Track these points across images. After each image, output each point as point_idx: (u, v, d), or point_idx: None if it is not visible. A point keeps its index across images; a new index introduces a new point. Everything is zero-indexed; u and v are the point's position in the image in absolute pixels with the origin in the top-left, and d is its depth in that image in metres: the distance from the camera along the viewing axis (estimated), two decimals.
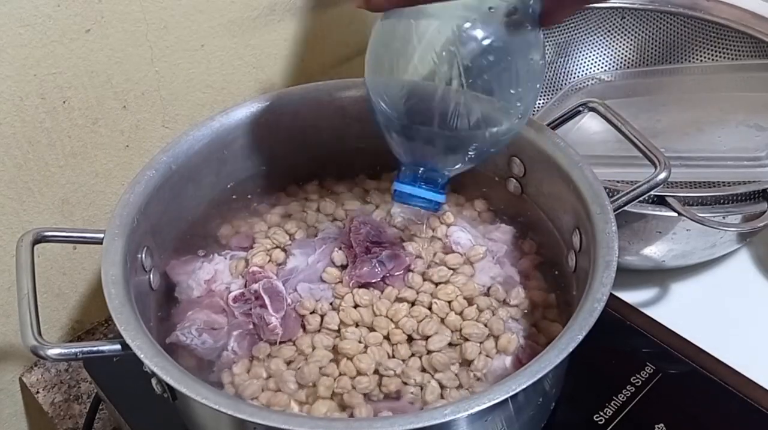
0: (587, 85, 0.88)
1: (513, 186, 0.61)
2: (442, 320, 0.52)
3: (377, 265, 0.54)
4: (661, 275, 0.71)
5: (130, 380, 0.50)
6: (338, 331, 0.52)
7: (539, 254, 0.58)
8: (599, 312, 0.43)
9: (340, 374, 0.49)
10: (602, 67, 0.88)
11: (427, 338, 0.51)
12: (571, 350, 0.42)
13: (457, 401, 0.40)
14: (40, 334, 0.44)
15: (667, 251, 0.66)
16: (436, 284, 0.54)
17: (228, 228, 0.61)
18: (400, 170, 0.49)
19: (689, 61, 0.85)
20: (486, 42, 0.44)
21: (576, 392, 0.56)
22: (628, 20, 0.86)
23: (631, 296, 0.68)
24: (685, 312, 0.68)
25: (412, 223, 0.59)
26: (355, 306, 0.53)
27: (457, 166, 0.49)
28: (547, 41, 0.86)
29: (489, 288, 0.55)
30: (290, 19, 0.72)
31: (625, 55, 0.88)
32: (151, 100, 0.65)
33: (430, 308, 0.53)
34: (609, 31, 0.87)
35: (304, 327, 0.52)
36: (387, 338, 0.51)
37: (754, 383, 0.58)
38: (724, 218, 0.61)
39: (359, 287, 0.54)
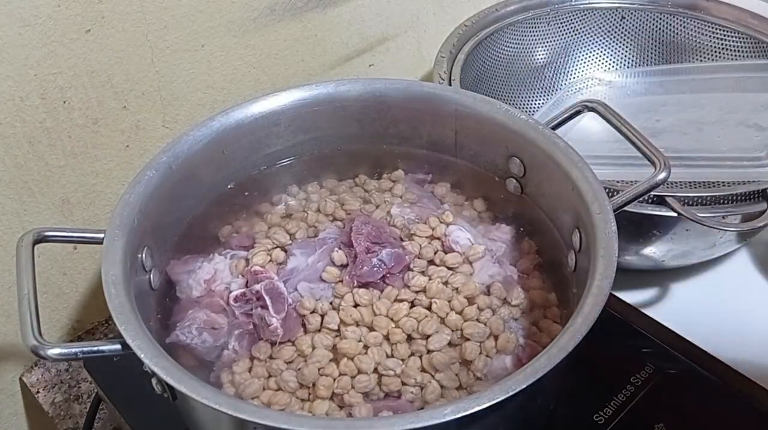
0: (587, 85, 0.88)
1: (513, 186, 0.61)
2: (442, 320, 0.52)
3: (377, 264, 0.54)
4: (660, 275, 0.71)
5: (130, 380, 0.50)
6: (338, 330, 0.52)
7: (539, 253, 0.58)
8: (599, 312, 0.43)
9: (340, 374, 0.49)
10: (602, 67, 0.89)
11: (427, 337, 0.51)
12: (571, 349, 0.42)
13: (457, 401, 0.40)
14: (40, 334, 0.44)
15: (667, 251, 0.66)
16: (436, 284, 0.54)
17: (228, 228, 0.61)
18: None
19: (689, 61, 0.86)
20: None
21: (576, 392, 0.56)
22: (628, 20, 0.87)
23: (631, 296, 0.68)
24: (685, 312, 0.68)
25: (411, 222, 0.59)
26: (355, 305, 0.53)
27: None
28: (548, 41, 0.86)
29: (489, 287, 0.55)
30: (290, 19, 0.72)
31: (625, 55, 0.88)
32: (151, 100, 0.65)
33: (429, 308, 0.53)
34: (609, 31, 0.87)
35: (304, 327, 0.52)
36: (387, 337, 0.52)
37: (754, 383, 0.58)
38: (723, 218, 0.61)
39: (359, 286, 0.54)
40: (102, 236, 0.49)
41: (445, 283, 0.54)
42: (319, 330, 0.52)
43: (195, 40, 0.65)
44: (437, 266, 0.56)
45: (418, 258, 0.56)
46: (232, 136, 0.60)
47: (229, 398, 0.41)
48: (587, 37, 0.87)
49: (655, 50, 0.87)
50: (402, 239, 0.58)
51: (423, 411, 0.40)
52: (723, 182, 0.70)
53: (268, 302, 0.52)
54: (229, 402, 0.40)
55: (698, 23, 0.84)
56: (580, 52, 0.88)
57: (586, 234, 0.51)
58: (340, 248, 0.57)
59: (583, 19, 0.86)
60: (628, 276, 0.68)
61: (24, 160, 0.59)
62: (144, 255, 0.52)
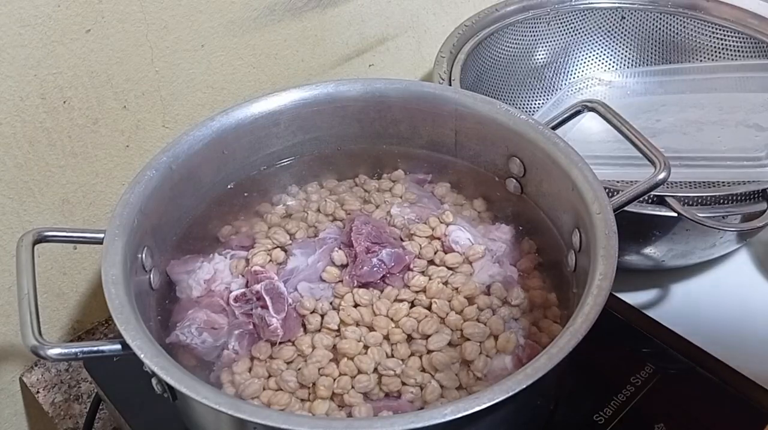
0: (587, 85, 0.88)
1: (513, 186, 0.61)
2: (442, 320, 0.52)
3: (377, 264, 0.54)
4: (661, 275, 0.71)
5: (130, 380, 0.50)
6: (338, 330, 0.52)
7: (539, 253, 0.58)
8: (599, 312, 0.43)
9: (340, 374, 0.49)
10: (602, 67, 0.89)
11: (427, 337, 0.51)
12: (570, 349, 0.42)
13: (457, 401, 0.40)
14: (40, 334, 0.44)
15: (667, 250, 0.66)
16: (436, 284, 0.54)
17: (228, 228, 0.61)
18: None
19: (689, 61, 0.86)
20: None
21: (576, 392, 0.56)
22: (628, 20, 0.87)
23: (631, 297, 0.68)
24: (685, 312, 0.68)
25: (411, 222, 0.59)
26: (355, 305, 0.53)
27: None
28: (548, 41, 0.86)
29: (489, 287, 0.55)
30: (290, 19, 0.72)
31: (625, 55, 0.88)
32: (151, 100, 0.65)
33: (429, 308, 0.53)
34: (609, 31, 0.87)
35: (304, 327, 0.52)
36: (387, 337, 0.52)
37: (754, 383, 0.58)
38: (723, 218, 0.61)
39: (359, 286, 0.54)
40: (102, 236, 0.49)
41: (445, 283, 0.54)
42: (319, 330, 0.52)
43: (195, 40, 0.65)
44: (437, 266, 0.56)
45: (418, 258, 0.56)
46: (232, 136, 0.60)
47: (229, 398, 0.41)
48: (587, 37, 0.87)
49: (655, 50, 0.87)
50: (402, 239, 0.58)
51: (423, 411, 0.40)
52: (723, 182, 0.70)
53: (268, 302, 0.52)
54: (229, 402, 0.40)
55: (698, 23, 0.84)
56: (580, 52, 0.88)
57: (586, 234, 0.51)
58: (340, 248, 0.57)
59: (583, 19, 0.86)
60: (628, 276, 0.68)
61: (24, 160, 0.59)
62: (144, 255, 0.52)
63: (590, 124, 0.75)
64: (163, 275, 0.56)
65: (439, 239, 0.58)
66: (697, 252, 0.67)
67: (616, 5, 0.86)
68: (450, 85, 0.72)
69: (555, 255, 0.57)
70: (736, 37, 0.82)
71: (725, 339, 0.62)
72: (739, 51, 0.82)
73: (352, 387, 0.49)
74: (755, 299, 0.70)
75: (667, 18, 0.85)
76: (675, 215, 0.60)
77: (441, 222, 0.59)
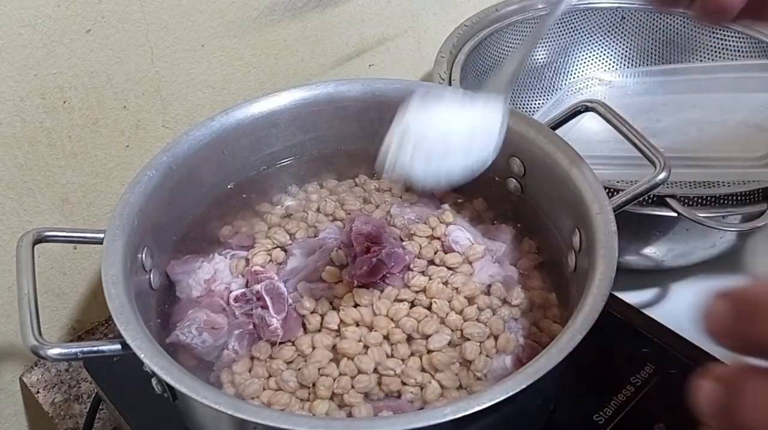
0: (587, 85, 0.88)
1: (513, 186, 0.61)
2: (442, 320, 0.52)
3: (377, 264, 0.54)
4: (661, 275, 0.71)
5: (130, 380, 0.50)
6: (338, 330, 0.52)
7: (539, 253, 0.58)
8: (599, 312, 0.43)
9: (340, 374, 0.49)
10: (602, 67, 0.89)
11: (427, 337, 0.51)
12: (570, 350, 0.42)
13: (457, 401, 0.40)
14: (40, 334, 0.44)
15: (667, 250, 0.66)
16: (436, 284, 0.54)
17: (228, 228, 0.61)
18: None
19: (689, 61, 0.86)
20: None
21: (576, 392, 0.56)
22: (628, 20, 0.87)
23: (631, 297, 0.68)
24: (685, 312, 0.68)
25: (411, 222, 0.59)
26: (355, 305, 0.53)
27: None
28: (548, 41, 0.86)
29: (489, 287, 0.55)
30: (290, 19, 0.72)
31: (625, 55, 0.88)
32: (151, 100, 0.65)
33: (429, 308, 0.53)
34: (609, 31, 0.87)
35: (304, 327, 0.52)
36: (387, 337, 0.51)
37: None
38: (724, 218, 0.61)
39: (359, 286, 0.54)
40: (102, 236, 0.49)
41: (445, 283, 0.54)
42: (319, 330, 0.52)
43: (195, 40, 0.65)
44: (437, 266, 0.56)
45: (418, 258, 0.56)
46: (232, 136, 0.60)
47: (229, 398, 0.41)
48: (587, 37, 0.87)
49: (655, 50, 0.87)
50: (402, 239, 0.58)
51: (423, 411, 0.41)
52: (723, 182, 0.70)
53: (268, 302, 0.52)
54: (229, 402, 0.40)
55: (698, 23, 0.84)
56: (580, 52, 0.88)
57: (586, 234, 0.51)
58: (340, 248, 0.57)
59: (583, 19, 0.86)
60: (628, 276, 0.67)
61: (24, 160, 0.59)
62: (144, 255, 0.52)
63: (590, 124, 0.75)
64: (163, 275, 0.56)
65: (439, 238, 0.58)
66: (698, 252, 0.67)
67: (616, 5, 0.86)
68: (450, 85, 0.72)
69: (555, 255, 0.57)
70: (736, 37, 0.82)
71: None
72: (739, 51, 0.82)
73: (352, 387, 0.49)
74: None
75: (667, 18, 0.85)
76: (675, 214, 0.60)
77: (441, 222, 0.59)
